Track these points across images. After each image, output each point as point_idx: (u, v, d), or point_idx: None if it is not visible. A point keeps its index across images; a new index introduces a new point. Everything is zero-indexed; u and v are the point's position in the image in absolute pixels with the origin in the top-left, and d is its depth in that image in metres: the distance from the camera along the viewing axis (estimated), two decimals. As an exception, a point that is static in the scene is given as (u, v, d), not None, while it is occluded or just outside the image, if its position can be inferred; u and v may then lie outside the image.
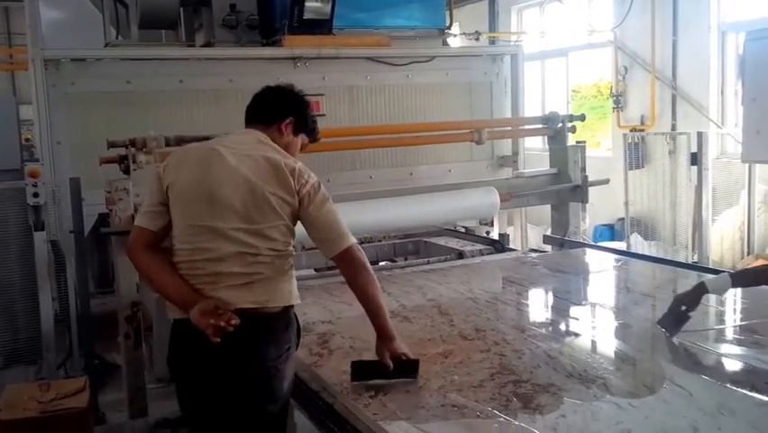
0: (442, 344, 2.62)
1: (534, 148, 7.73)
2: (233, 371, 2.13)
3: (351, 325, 2.83)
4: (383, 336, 2.27)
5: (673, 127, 7.47)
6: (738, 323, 2.89)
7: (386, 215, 4.44)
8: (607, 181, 4.71)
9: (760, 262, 5.84)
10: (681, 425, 1.88)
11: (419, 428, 1.93)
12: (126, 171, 3.37)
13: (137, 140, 3.41)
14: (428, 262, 4.18)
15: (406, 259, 4.66)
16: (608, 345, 2.66)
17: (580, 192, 4.48)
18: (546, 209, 4.92)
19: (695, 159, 5.20)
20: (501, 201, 4.30)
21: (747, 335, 2.62)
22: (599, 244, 6.33)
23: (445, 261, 4.21)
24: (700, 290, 2.65)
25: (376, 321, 2.27)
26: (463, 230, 5.09)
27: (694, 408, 1.99)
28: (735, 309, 3.23)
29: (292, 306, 2.25)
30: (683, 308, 2.64)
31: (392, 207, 4.51)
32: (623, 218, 7.11)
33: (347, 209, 4.38)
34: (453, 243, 4.65)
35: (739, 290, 3.42)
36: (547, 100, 10.24)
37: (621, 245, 6.57)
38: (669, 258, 5.29)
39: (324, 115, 4.89)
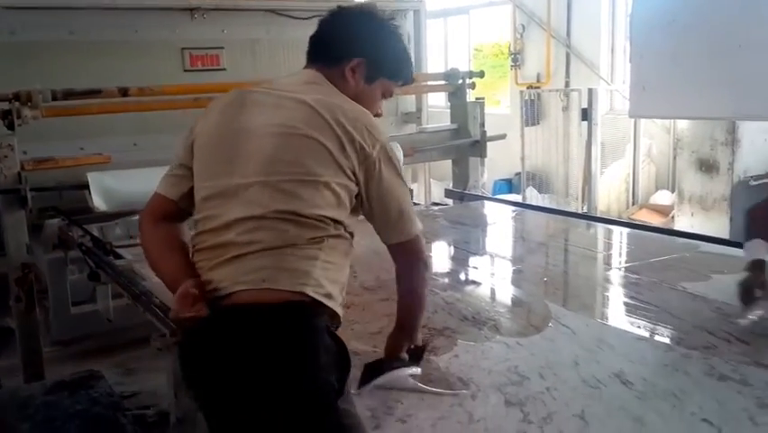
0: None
1: (438, 105, 7.84)
2: (221, 382, 1.48)
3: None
4: (409, 331, 1.81)
5: (567, 84, 7.76)
6: (623, 265, 3.09)
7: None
8: (503, 136, 4.87)
9: (644, 212, 6.24)
10: (564, 360, 2.02)
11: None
12: (11, 127, 3.20)
13: (21, 93, 3.23)
14: (332, 218, 4.22)
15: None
16: (502, 291, 2.80)
17: (478, 147, 4.62)
18: (449, 165, 5.04)
19: (586, 115, 5.45)
20: (405, 156, 4.37)
21: (629, 276, 2.82)
22: (497, 196, 6.56)
23: (350, 216, 4.25)
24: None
25: (409, 318, 1.80)
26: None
27: (576, 344, 2.13)
28: (620, 253, 3.47)
29: (313, 302, 1.51)
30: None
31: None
32: (520, 173, 7.38)
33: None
34: (359, 199, 4.69)
35: (625, 235, 3.67)
36: (450, 58, 10.37)
37: (518, 198, 6.83)
38: (561, 209, 5.56)
39: (224, 69, 4.78)
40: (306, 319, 1.49)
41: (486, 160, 4.76)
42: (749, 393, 1.78)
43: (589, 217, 4.33)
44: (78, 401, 2.76)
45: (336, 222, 1.58)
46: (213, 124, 1.69)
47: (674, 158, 5.81)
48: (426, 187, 6.24)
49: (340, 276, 1.61)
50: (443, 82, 4.88)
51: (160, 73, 4.48)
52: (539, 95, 7.04)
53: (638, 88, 5.55)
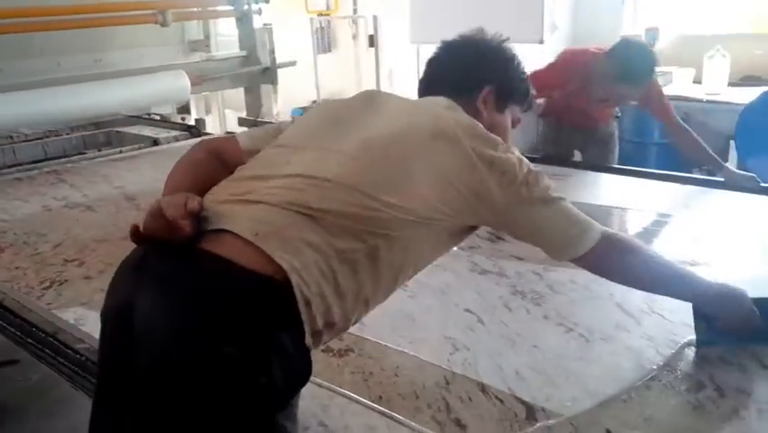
0: (126, 226, 2.62)
1: (230, 33, 7.64)
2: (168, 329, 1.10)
3: (25, 221, 2.73)
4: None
5: (354, 12, 7.88)
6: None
7: (70, 103, 4.19)
8: (294, 63, 4.92)
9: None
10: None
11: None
12: None
13: None
14: (120, 152, 4.06)
15: (100, 151, 4.46)
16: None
17: (269, 74, 4.65)
18: (242, 94, 5.01)
19: (372, 41, 5.63)
20: (192, 85, 4.29)
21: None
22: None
23: (139, 149, 4.13)
24: None
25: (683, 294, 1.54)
26: (158, 118, 4.99)
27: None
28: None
29: (286, 288, 1.10)
30: None
31: (76, 95, 4.26)
32: (316, 100, 7.47)
33: (24, 99, 4.04)
34: (148, 131, 4.52)
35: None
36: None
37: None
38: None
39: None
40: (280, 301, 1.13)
41: (280, 88, 4.79)
42: (505, 283, 2.03)
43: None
44: None
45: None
46: (324, 106, 1.53)
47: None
48: (221, 117, 6.15)
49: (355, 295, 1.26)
50: (229, 8, 4.80)
51: None
52: (329, 22, 7.10)
53: (418, 15, 5.84)
